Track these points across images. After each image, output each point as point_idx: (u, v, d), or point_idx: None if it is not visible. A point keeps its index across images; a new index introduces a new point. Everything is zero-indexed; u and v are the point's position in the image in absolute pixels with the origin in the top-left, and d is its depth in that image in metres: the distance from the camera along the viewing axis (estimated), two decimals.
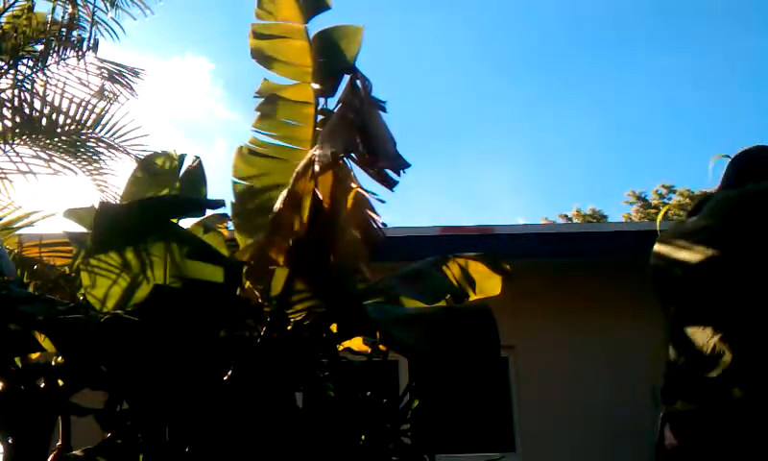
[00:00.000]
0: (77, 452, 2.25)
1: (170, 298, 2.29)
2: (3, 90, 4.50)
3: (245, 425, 2.19)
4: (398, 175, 2.14)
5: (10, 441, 2.28)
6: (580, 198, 42.99)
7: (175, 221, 2.42)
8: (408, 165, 2.20)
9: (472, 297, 2.75)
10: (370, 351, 2.59)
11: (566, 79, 31.16)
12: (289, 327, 2.38)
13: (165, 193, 2.78)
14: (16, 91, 4.49)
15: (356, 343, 2.66)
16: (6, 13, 4.62)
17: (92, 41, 4.71)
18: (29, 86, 4.55)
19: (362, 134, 2.14)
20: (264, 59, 2.67)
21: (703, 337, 1.74)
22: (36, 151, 4.35)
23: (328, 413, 2.37)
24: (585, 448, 5.53)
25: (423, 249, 4.02)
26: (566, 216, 22.77)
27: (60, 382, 2.35)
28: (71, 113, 4.46)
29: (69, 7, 4.72)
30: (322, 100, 2.63)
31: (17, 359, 2.46)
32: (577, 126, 31.04)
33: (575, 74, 30.74)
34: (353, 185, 2.34)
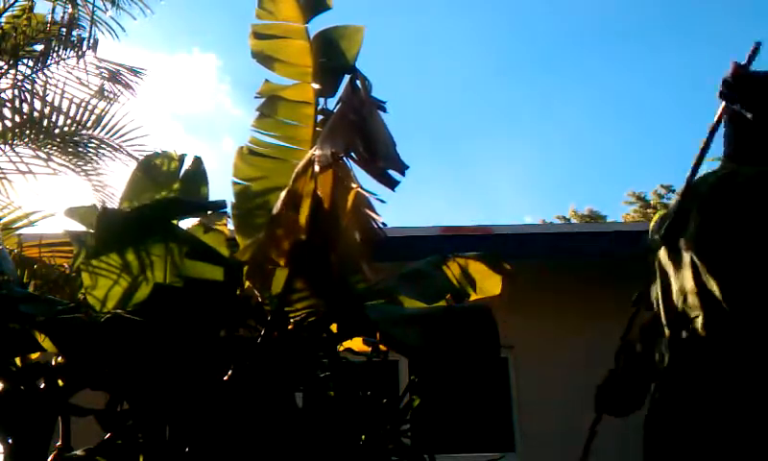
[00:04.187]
0: (77, 452, 2.25)
1: (170, 298, 2.29)
2: (3, 90, 4.50)
3: (245, 425, 2.19)
4: (402, 174, 2.13)
5: (10, 441, 2.28)
6: (582, 198, 42.94)
7: (175, 222, 2.42)
8: (406, 167, 2.19)
9: (473, 296, 2.75)
10: (370, 350, 2.59)
11: (569, 78, 31.15)
12: (290, 327, 2.39)
13: (165, 193, 2.78)
14: (16, 91, 4.49)
15: (356, 343, 2.66)
16: (6, 13, 4.62)
17: (92, 41, 4.71)
18: (29, 87, 4.55)
19: (362, 135, 2.14)
20: (265, 59, 2.66)
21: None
22: (35, 151, 4.35)
23: (328, 413, 2.37)
24: None
25: (424, 249, 4.02)
26: (564, 217, 22.74)
27: (60, 382, 2.35)
28: (71, 113, 4.46)
29: (69, 7, 4.72)
30: (322, 100, 2.63)
31: (17, 359, 2.46)
32: (579, 126, 31.03)
33: (577, 73, 30.72)
34: (353, 185, 2.34)
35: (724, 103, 1.91)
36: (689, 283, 1.83)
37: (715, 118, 1.96)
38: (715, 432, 1.73)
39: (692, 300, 1.82)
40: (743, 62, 1.86)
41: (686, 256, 1.85)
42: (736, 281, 1.75)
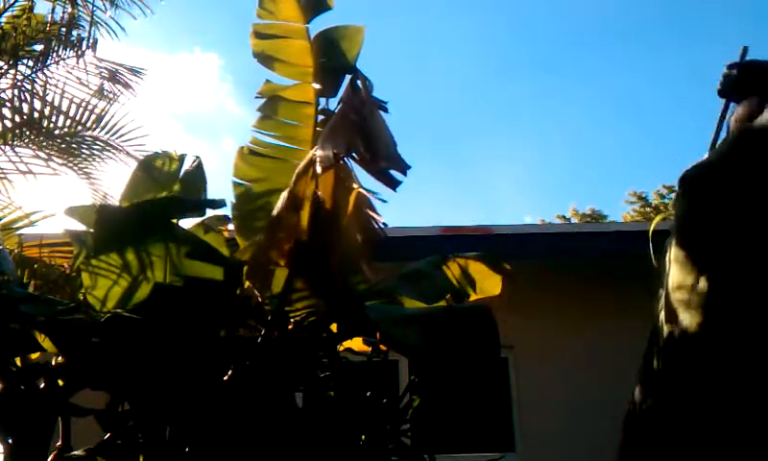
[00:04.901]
0: (77, 452, 2.25)
1: (170, 297, 2.29)
2: (3, 90, 4.50)
3: (245, 425, 2.19)
4: (404, 174, 2.13)
5: (10, 441, 2.28)
6: (582, 198, 42.96)
7: (175, 221, 2.42)
8: (408, 167, 2.19)
9: (473, 296, 2.75)
10: (370, 350, 2.59)
11: (569, 78, 31.15)
12: (290, 327, 2.38)
13: (165, 193, 2.78)
14: (16, 91, 4.49)
15: (356, 343, 2.66)
16: (6, 13, 4.62)
17: (92, 41, 4.72)
18: (29, 87, 4.55)
19: (363, 134, 2.14)
20: (265, 59, 2.67)
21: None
22: (35, 151, 4.35)
23: (328, 413, 2.37)
24: (584, 448, 5.52)
25: (424, 249, 4.02)
26: (564, 217, 22.75)
27: (60, 382, 2.35)
28: (71, 113, 4.47)
29: (69, 7, 4.72)
30: (323, 100, 2.64)
31: (17, 359, 2.46)
32: (579, 126, 31.04)
33: (577, 73, 30.73)
34: (354, 185, 2.34)
35: (724, 100, 1.98)
36: (676, 278, 1.79)
37: (719, 116, 2.03)
38: (708, 436, 1.69)
39: (677, 295, 1.77)
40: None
41: (673, 250, 1.82)
42: (720, 271, 1.70)
